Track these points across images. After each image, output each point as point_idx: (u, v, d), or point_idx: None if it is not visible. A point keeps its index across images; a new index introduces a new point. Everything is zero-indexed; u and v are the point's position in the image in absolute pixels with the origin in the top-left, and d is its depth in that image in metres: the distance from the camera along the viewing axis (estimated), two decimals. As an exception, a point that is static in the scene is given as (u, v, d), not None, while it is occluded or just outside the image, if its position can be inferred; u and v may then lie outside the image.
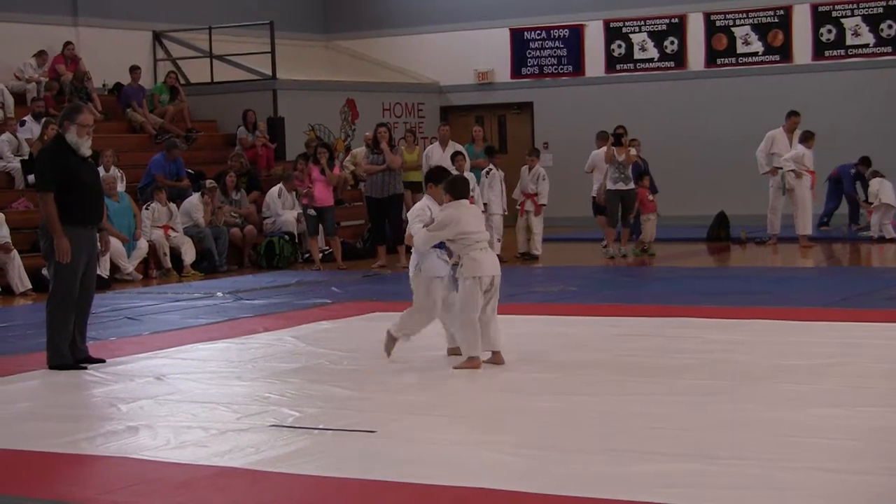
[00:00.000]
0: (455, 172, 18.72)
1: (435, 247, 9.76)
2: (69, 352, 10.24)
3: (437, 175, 10.16)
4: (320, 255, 19.32)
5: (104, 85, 23.44)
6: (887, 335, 10.71)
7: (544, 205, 19.55)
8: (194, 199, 19.54)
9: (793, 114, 20.52)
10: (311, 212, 18.99)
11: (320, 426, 7.73)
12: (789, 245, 19.91)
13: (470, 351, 9.54)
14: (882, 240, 20.09)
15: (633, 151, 19.11)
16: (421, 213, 9.93)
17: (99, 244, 10.69)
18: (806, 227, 20.06)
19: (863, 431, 7.23)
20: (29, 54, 22.05)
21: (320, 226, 19.18)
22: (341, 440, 7.40)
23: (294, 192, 20.13)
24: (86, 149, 10.29)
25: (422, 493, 6.27)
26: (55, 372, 10.08)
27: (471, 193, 10.74)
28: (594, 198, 20.25)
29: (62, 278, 10.21)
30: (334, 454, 7.07)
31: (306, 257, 19.96)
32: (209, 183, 19.74)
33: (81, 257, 10.22)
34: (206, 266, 18.91)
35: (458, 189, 9.77)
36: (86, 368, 10.17)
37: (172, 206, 19.08)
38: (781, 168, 20.14)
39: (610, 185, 19.10)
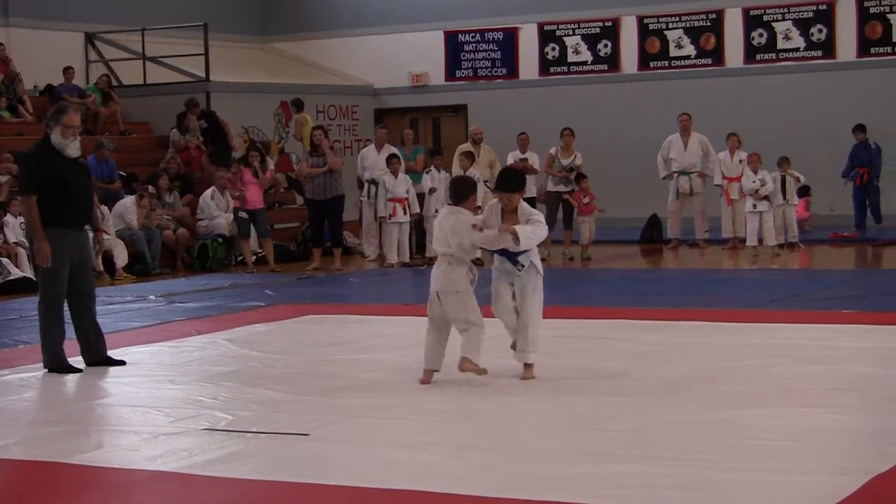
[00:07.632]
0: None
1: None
2: (63, 353, 10.02)
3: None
4: (253, 257, 19.25)
5: (35, 86, 23.17)
6: (815, 336, 10.80)
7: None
8: (127, 201, 19.37)
9: (681, 114, 21.14)
10: (243, 214, 19.01)
11: (253, 429, 7.66)
12: (719, 248, 20.15)
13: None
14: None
15: (578, 158, 19.26)
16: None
17: (93, 244, 10.61)
18: (700, 231, 20.68)
19: (798, 431, 7.26)
20: (-42, 55, 21.82)
21: (252, 228, 19.18)
22: (275, 443, 7.34)
23: (226, 194, 20.02)
24: (72, 150, 10.04)
25: (354, 496, 6.23)
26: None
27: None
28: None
29: (46, 282, 10.04)
30: (267, 457, 7.02)
31: (239, 260, 19.87)
32: (149, 188, 19.61)
33: (65, 259, 10.01)
34: (139, 269, 18.75)
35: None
36: (82, 371, 9.98)
37: (104, 208, 18.87)
38: (677, 173, 20.68)
39: (551, 187, 19.17)
